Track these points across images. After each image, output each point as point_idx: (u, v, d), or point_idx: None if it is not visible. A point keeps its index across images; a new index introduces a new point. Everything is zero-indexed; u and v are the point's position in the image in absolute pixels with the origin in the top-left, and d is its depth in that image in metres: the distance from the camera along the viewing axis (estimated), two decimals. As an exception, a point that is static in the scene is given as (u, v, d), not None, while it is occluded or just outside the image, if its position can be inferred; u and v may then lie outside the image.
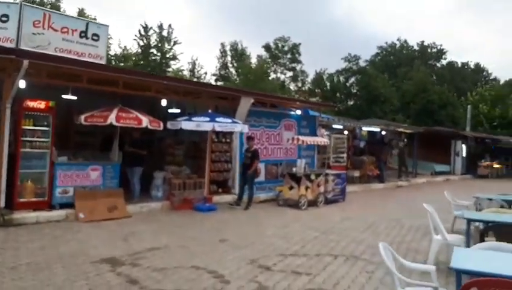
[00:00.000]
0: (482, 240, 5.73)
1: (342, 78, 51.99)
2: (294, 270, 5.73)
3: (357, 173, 16.05)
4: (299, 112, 13.28)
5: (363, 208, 11.81)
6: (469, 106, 34.02)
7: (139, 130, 9.69)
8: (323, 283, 5.26)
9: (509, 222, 5.31)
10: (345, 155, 15.34)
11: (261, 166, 11.65)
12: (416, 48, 58.61)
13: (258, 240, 7.34)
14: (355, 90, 50.45)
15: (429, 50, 58.86)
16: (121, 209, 8.77)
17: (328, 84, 50.22)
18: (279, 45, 50.06)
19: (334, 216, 10.13)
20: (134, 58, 31.90)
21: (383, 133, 17.78)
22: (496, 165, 25.05)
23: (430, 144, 21.85)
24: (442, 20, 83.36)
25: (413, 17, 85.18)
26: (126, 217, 8.67)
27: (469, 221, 5.61)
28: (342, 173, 12.81)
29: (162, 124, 9.42)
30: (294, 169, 11.46)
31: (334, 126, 15.37)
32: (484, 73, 63.45)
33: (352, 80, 52.25)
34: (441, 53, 58.57)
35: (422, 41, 57.96)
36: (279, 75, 49.58)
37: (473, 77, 59.63)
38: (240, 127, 9.83)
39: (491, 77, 63.36)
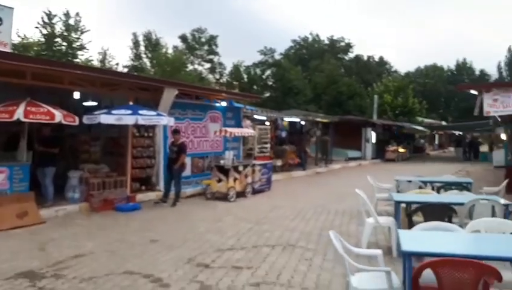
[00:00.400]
0: (410, 221, 6.03)
1: (258, 71, 52.81)
2: (234, 265, 5.52)
3: (279, 162, 16.31)
4: (224, 103, 13.04)
5: (289, 195, 12.00)
6: (375, 96, 36.43)
7: (49, 126, 8.72)
8: (266, 276, 5.13)
9: (435, 201, 5.62)
10: (268, 145, 15.47)
11: (188, 160, 11.21)
12: (326, 42, 61.28)
13: (192, 237, 7.01)
14: (271, 83, 51.54)
15: (338, 44, 61.89)
16: (32, 215, 7.83)
17: (245, 76, 50.68)
18: (196, 36, 49.20)
19: (264, 206, 10.11)
20: (36, 48, 29.02)
21: (303, 123, 18.28)
22: (401, 150, 27.21)
23: (343, 132, 23.02)
24: (350, 16, 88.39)
25: (325, 12, 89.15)
26: (39, 223, 7.76)
27: (398, 203, 5.84)
28: (267, 163, 12.87)
29: (77, 119, 8.57)
30: (222, 161, 11.23)
31: (258, 117, 15.39)
32: (387, 66, 68.87)
33: (268, 72, 53.32)
34: (348, 47, 61.92)
35: (332, 36, 60.70)
36: (196, 66, 48.78)
37: (377, 69, 64.18)
38: (165, 120, 9.31)
39: (393, 70, 69.12)
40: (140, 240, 6.85)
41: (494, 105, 8.83)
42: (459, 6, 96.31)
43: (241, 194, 11.25)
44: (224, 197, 10.80)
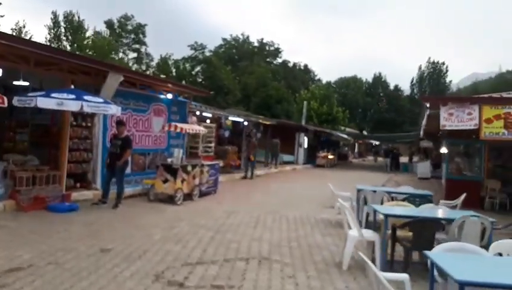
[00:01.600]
0: (393, 235, 5.76)
1: (188, 66, 51.34)
2: (213, 284, 4.77)
3: (221, 163, 15.60)
4: (170, 96, 12.02)
5: (238, 200, 11.41)
6: (305, 102, 37.15)
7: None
8: (254, 298, 4.48)
9: (427, 217, 5.40)
10: (213, 145, 14.72)
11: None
12: (256, 44, 61.61)
13: (150, 247, 6.09)
14: (200, 80, 50.40)
15: (267, 48, 62.57)
16: None
17: (173, 70, 48.91)
18: (123, 23, 46.37)
19: (216, 211, 9.38)
20: None
21: (245, 123, 17.77)
22: (330, 156, 27.97)
23: (278, 136, 22.91)
24: (279, 22, 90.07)
25: (257, 16, 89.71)
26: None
27: (386, 216, 5.54)
28: (215, 163, 12.15)
29: (5, 100, 7.13)
30: (169, 160, 10.28)
31: (203, 114, 14.53)
32: (311, 74, 71.38)
33: (198, 68, 52.11)
34: (277, 51, 62.90)
35: (262, 39, 61.15)
36: (121, 55, 45.92)
37: (302, 76, 66.09)
38: (114, 109, 8.16)
39: (317, 78, 71.84)
40: (88, 249, 5.78)
41: (450, 119, 9.08)
42: (380, 24, 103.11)
43: (188, 197, 10.41)
44: (169, 200, 9.90)
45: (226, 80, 48.28)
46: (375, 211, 6.23)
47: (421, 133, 18.50)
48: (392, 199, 8.02)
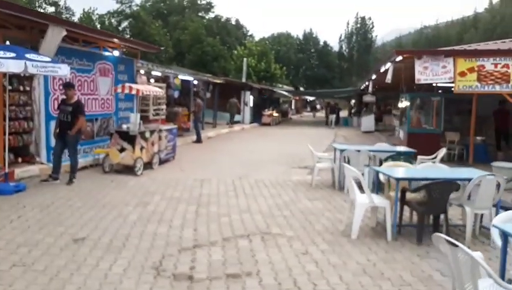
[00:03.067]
0: (403, 199, 5.40)
1: (114, 21, 47.45)
2: (226, 272, 4.08)
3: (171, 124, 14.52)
4: (116, 52, 10.58)
5: (200, 165, 10.62)
6: (245, 59, 36.09)
7: None
8: (280, 286, 3.86)
9: (444, 178, 5.06)
10: (164, 107, 13.51)
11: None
12: (187, -3, 58.33)
13: (130, 231, 5.20)
14: (128, 36, 46.95)
15: (199, 1, 59.58)
16: None
17: (98, 26, 44.89)
18: (37, -28, 41.12)
19: (185, 180, 8.53)
20: None
21: (195, 82, 16.59)
22: (275, 114, 27.64)
23: (223, 95, 21.99)
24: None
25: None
26: None
27: (398, 180, 5.12)
28: (173, 128, 11.12)
29: None
30: (125, 126, 9.11)
31: (153, 73, 13.16)
32: (243, 29, 69.31)
33: (126, 24, 48.41)
34: (209, 6, 60.16)
35: (193, -8, 57.90)
36: (37, 9, 40.89)
37: (235, 32, 64.09)
38: (64, 70, 6.78)
39: (249, 34, 70.05)
40: (57, 240, 4.76)
41: (425, 72, 8.86)
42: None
43: (147, 166, 9.41)
44: (127, 170, 8.88)
45: (157, 36, 45.46)
46: (377, 173, 5.83)
47: (370, 88, 18.62)
48: (370, 158, 7.74)
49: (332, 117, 27.53)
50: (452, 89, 9.32)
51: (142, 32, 44.38)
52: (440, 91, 13.13)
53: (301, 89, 56.44)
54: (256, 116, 26.09)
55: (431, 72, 8.81)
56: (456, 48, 11.76)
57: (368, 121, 22.86)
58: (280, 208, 6.62)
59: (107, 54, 10.44)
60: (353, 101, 39.58)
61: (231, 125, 21.93)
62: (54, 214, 5.80)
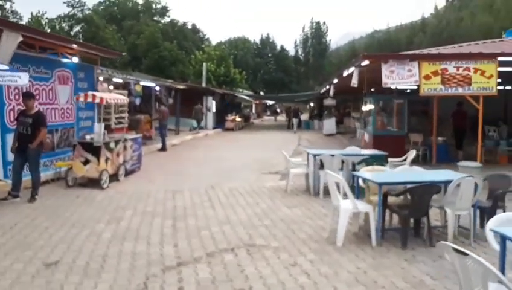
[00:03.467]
0: (384, 202, 5.42)
1: (65, 26, 45.56)
2: (217, 290, 3.89)
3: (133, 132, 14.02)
4: (76, 59, 10.05)
5: (168, 175, 10.30)
6: (204, 64, 35.73)
7: None
8: (276, 301, 3.72)
9: (426, 181, 5.11)
10: (126, 115, 13.00)
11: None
12: (141, 1, 57.17)
13: (106, 251, 4.87)
14: (80, 40, 45.28)
15: (154, 6, 58.56)
16: None
17: (48, 30, 42.93)
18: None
19: (156, 192, 8.20)
20: None
21: (157, 88, 16.13)
22: (238, 119, 27.50)
23: (186, 101, 21.61)
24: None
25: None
26: None
27: (380, 185, 5.13)
28: (138, 137, 10.70)
29: None
30: (89, 137, 8.65)
31: (114, 80, 12.60)
32: (200, 34, 68.74)
33: (78, 28, 46.64)
34: (165, 10, 59.25)
35: (147, -4, 56.87)
36: (-20, 14, 38.55)
37: (192, 36, 63.40)
38: (24, 79, 6.31)
39: (205, 38, 69.46)
40: (27, 266, 4.37)
41: (391, 76, 9.04)
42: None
43: (113, 178, 9.00)
44: (91, 184, 8.47)
45: (111, 41, 44.19)
46: (357, 178, 5.83)
47: (331, 91, 18.92)
48: (343, 162, 7.79)
49: (295, 121, 27.77)
50: (407, 90, 9.55)
51: (96, 37, 42.96)
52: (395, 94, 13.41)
53: (261, 93, 56.50)
54: (219, 122, 25.84)
55: (397, 76, 9.01)
56: (420, 51, 12.13)
57: (329, 124, 23.24)
58: (260, 217, 6.48)
59: (65, 60, 9.89)
60: (311, 104, 40.23)
61: (198, 131, 21.86)
62: (19, 236, 5.35)
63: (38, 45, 8.95)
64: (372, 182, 5.27)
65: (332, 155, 7.73)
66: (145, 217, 6.34)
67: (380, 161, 7.75)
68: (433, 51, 10.93)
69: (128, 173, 9.79)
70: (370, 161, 7.64)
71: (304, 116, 35.74)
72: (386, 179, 5.34)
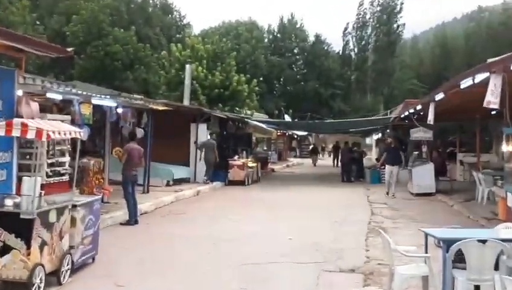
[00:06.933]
0: None
1: None
2: None
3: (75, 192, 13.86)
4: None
5: (149, 275, 9.82)
6: (188, 66, 35.82)
7: None
8: None
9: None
10: (68, 159, 12.83)
11: None
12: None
13: None
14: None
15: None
16: None
17: None
18: None
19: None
20: None
21: (120, 110, 15.98)
22: (251, 164, 27.26)
23: (161, 131, 21.55)
24: None
25: None
26: None
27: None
28: (94, 200, 10.55)
29: None
30: (11, 202, 8.49)
31: (49, 96, 12.46)
32: (175, 14, 69.15)
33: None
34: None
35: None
36: None
37: (162, 18, 64.21)
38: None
39: (184, 22, 69.91)
40: None
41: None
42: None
43: (51, 279, 8.73)
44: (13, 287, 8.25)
45: (21, 26, 44.43)
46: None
47: (431, 114, 18.50)
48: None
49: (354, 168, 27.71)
50: None
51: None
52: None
53: (286, 117, 56.00)
54: (218, 167, 25.61)
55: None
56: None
57: (423, 175, 22.61)
58: None
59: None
60: (376, 136, 40.18)
61: (209, 182, 24.39)
62: None
63: None
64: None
65: (484, 241, 7.21)
66: None
67: None
68: None
69: (77, 267, 9.53)
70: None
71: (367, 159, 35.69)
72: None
